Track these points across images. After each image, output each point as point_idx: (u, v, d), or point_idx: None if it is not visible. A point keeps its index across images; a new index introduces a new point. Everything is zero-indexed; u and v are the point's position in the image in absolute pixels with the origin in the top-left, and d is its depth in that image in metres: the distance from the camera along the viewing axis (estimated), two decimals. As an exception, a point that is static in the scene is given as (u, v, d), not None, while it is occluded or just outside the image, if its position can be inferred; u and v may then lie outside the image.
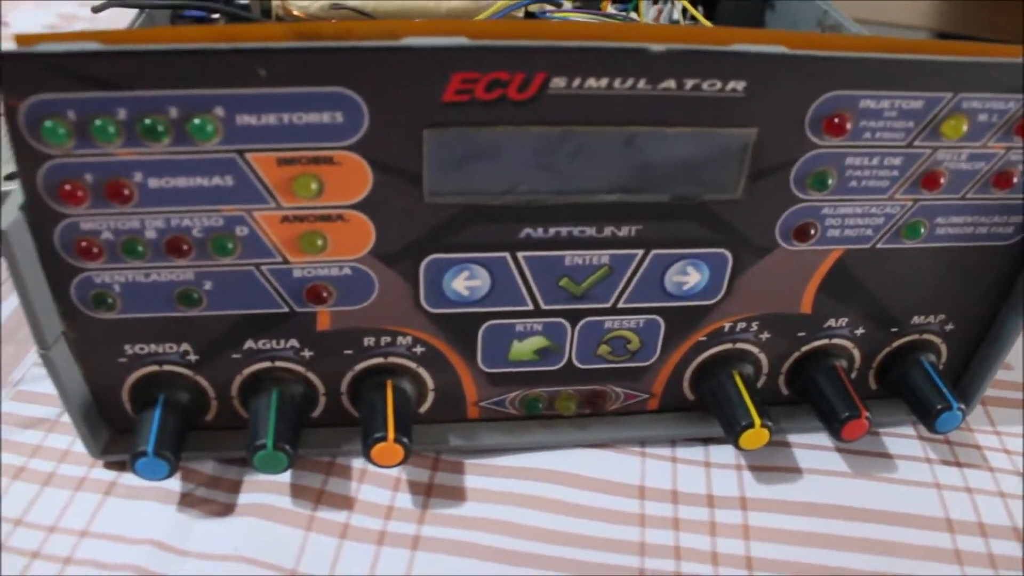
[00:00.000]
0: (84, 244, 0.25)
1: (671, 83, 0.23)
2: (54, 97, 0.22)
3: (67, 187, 0.24)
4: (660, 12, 0.39)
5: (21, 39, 0.23)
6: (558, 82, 0.23)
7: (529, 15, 0.38)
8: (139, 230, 0.25)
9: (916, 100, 0.25)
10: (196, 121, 0.23)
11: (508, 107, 0.23)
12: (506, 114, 0.23)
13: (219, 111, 0.23)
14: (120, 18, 0.36)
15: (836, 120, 0.25)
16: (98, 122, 0.23)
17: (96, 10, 0.38)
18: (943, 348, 0.31)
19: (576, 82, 0.23)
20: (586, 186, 0.25)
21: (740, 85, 0.24)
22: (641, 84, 0.23)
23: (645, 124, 0.24)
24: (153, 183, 0.24)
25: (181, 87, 0.22)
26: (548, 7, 0.37)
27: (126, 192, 0.24)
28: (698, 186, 0.25)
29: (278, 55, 0.22)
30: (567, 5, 0.38)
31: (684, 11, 0.43)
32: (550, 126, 0.24)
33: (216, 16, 0.40)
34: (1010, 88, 0.25)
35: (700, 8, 0.43)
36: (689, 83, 0.23)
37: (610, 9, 0.38)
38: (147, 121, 0.23)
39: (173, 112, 0.23)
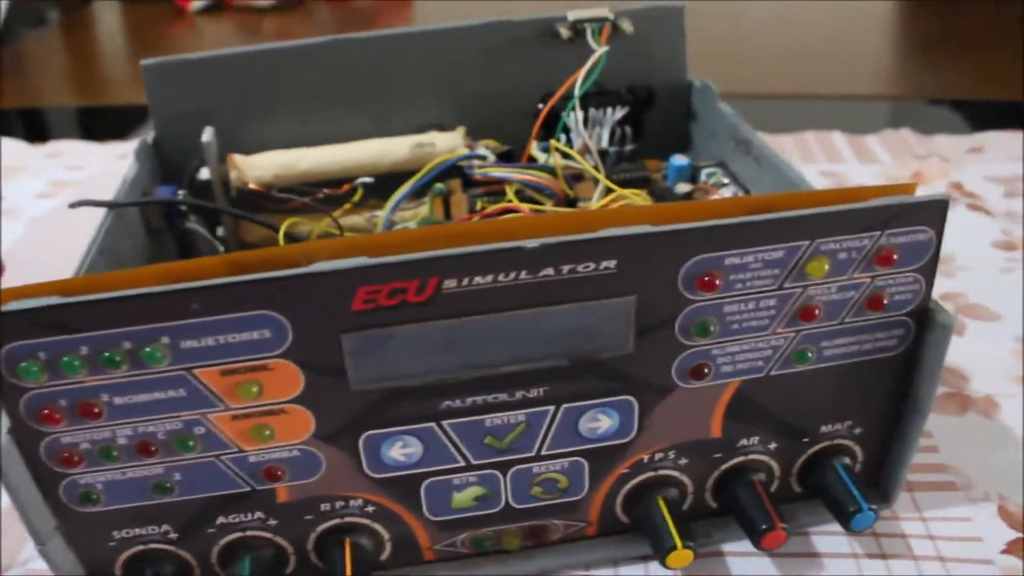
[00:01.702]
0: (66, 455, 0.30)
1: (549, 271, 0.28)
2: (26, 343, 0.27)
3: (45, 412, 0.29)
4: (585, 147, 0.44)
5: (6, 293, 0.28)
6: (449, 283, 0.28)
7: (458, 168, 0.43)
8: (111, 439, 0.30)
9: (777, 251, 0.29)
10: (147, 350, 0.28)
11: (409, 308, 0.28)
12: (408, 314, 0.28)
13: (165, 340, 0.28)
14: (93, 213, 0.41)
15: (706, 279, 0.29)
16: (65, 359, 0.28)
17: (73, 206, 0.44)
18: (857, 449, 0.35)
19: (465, 281, 0.28)
20: (490, 362, 0.30)
21: (612, 263, 0.28)
22: (523, 275, 0.28)
23: (532, 307, 0.29)
24: (118, 400, 0.29)
25: (130, 324, 0.27)
26: (476, 162, 0.42)
27: (96, 410, 0.29)
28: (592, 348, 0.30)
29: (208, 291, 0.27)
30: (491, 158, 0.43)
31: (613, 133, 0.48)
32: (449, 319, 0.28)
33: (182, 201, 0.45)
34: (864, 228, 0.30)
35: (628, 128, 0.49)
36: (565, 268, 0.28)
37: (534, 152, 0.43)
38: (106, 354, 0.28)
39: (127, 344, 0.28)
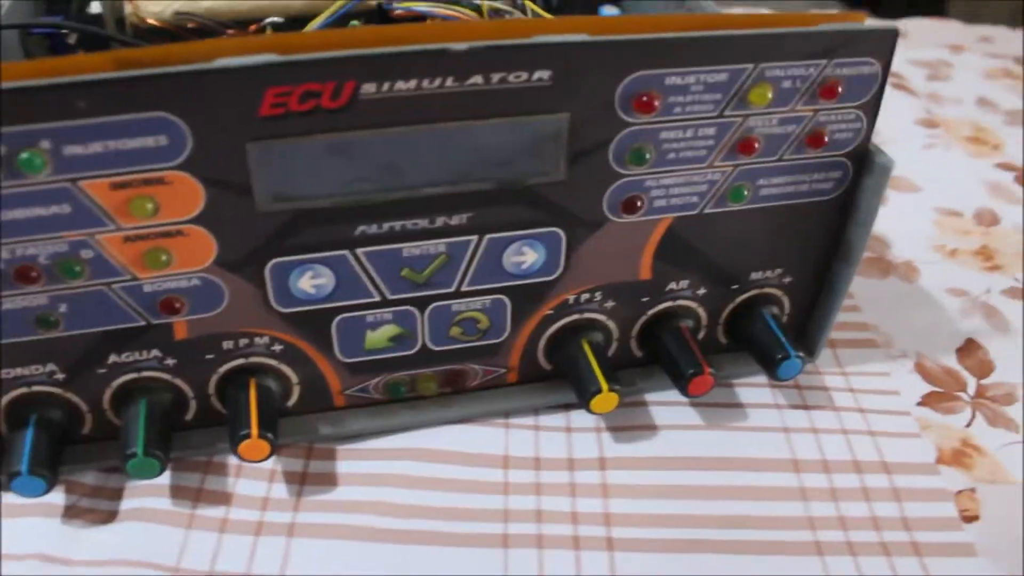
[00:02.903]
0: (-70, 278, 0.27)
1: (478, 79, 0.26)
2: None
3: (-97, 225, 0.25)
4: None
5: None
6: (368, 88, 0.25)
7: (379, 7, 0.40)
8: (-16, 261, 0.27)
9: (720, 73, 0.28)
10: (24, 155, 0.25)
11: (324, 116, 0.25)
12: (323, 123, 0.26)
13: (46, 144, 0.25)
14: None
15: (644, 99, 0.27)
16: (-73, 162, 0.24)
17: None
18: (785, 300, 0.34)
19: (386, 86, 0.25)
20: (410, 182, 0.27)
21: (546, 74, 0.26)
22: (449, 82, 0.26)
23: (458, 119, 0.26)
24: (-9, 216, 0.26)
25: (6, 124, 0.24)
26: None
27: (-36, 226, 0.26)
28: (521, 172, 0.28)
29: (97, 86, 0.24)
30: (411, -7, 0.40)
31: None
32: (367, 130, 0.26)
33: (66, 32, 0.41)
34: (810, 55, 0.28)
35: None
36: (495, 77, 0.26)
37: (457, -9, 0.40)
38: (-25, 158, 0.24)
39: (1, 149, 0.24)
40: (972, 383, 0.36)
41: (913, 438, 0.33)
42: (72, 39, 0.42)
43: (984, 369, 0.37)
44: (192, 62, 0.25)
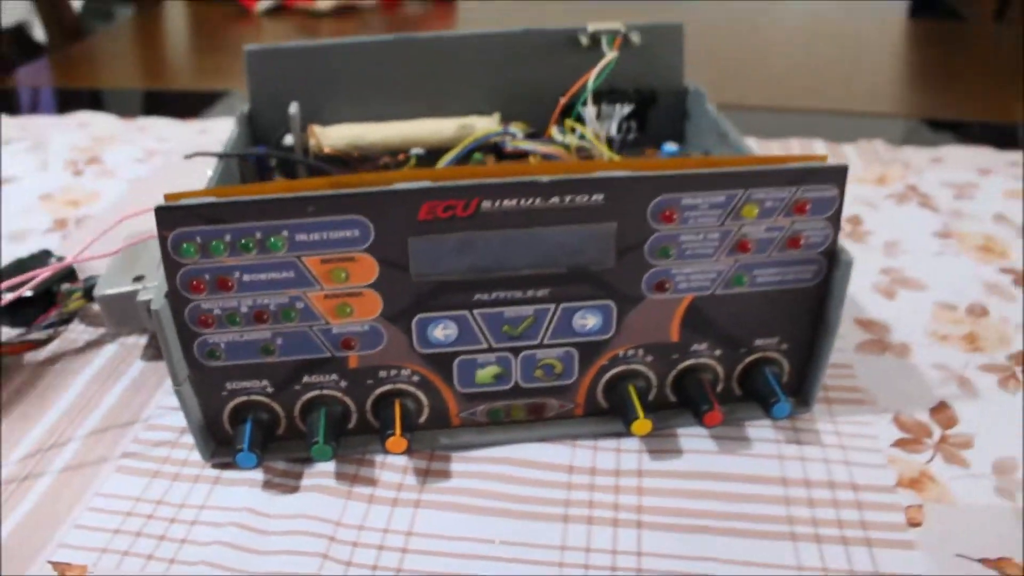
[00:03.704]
0: (203, 318, 0.43)
1: (556, 199, 0.41)
2: (187, 230, 0.41)
3: (194, 283, 0.42)
4: (597, 134, 0.57)
5: (169, 196, 0.41)
6: (487, 204, 0.41)
7: (495, 145, 0.56)
8: (236, 308, 0.43)
9: (720, 195, 0.42)
10: (272, 239, 0.41)
11: (458, 220, 0.41)
12: (457, 224, 0.41)
13: (285, 233, 0.41)
14: (202, 163, 0.54)
15: (667, 213, 0.42)
16: (213, 243, 0.41)
17: (188, 157, 0.58)
18: (783, 362, 0.48)
19: (498, 203, 0.41)
20: (510, 266, 0.43)
21: (600, 197, 0.41)
22: (537, 202, 0.41)
23: (543, 225, 0.42)
24: (246, 277, 0.42)
25: (263, 220, 0.41)
26: (507, 137, 0.56)
27: (229, 284, 0.42)
28: (584, 261, 0.43)
29: (318, 199, 0.40)
30: (519, 135, 0.56)
31: (620, 126, 0.61)
32: (484, 230, 0.41)
33: (269, 158, 0.59)
34: (785, 183, 0.42)
35: (633, 122, 0.62)
36: (567, 198, 0.41)
37: (554, 134, 0.56)
38: (242, 241, 0.41)
39: (258, 235, 0.41)
40: (937, 432, 0.48)
41: (880, 468, 0.46)
42: (272, 163, 0.60)
43: (949, 422, 0.49)
44: (378, 185, 0.41)
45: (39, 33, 1.77)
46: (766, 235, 0.44)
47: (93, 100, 1.04)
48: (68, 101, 1.03)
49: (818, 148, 0.81)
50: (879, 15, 1.31)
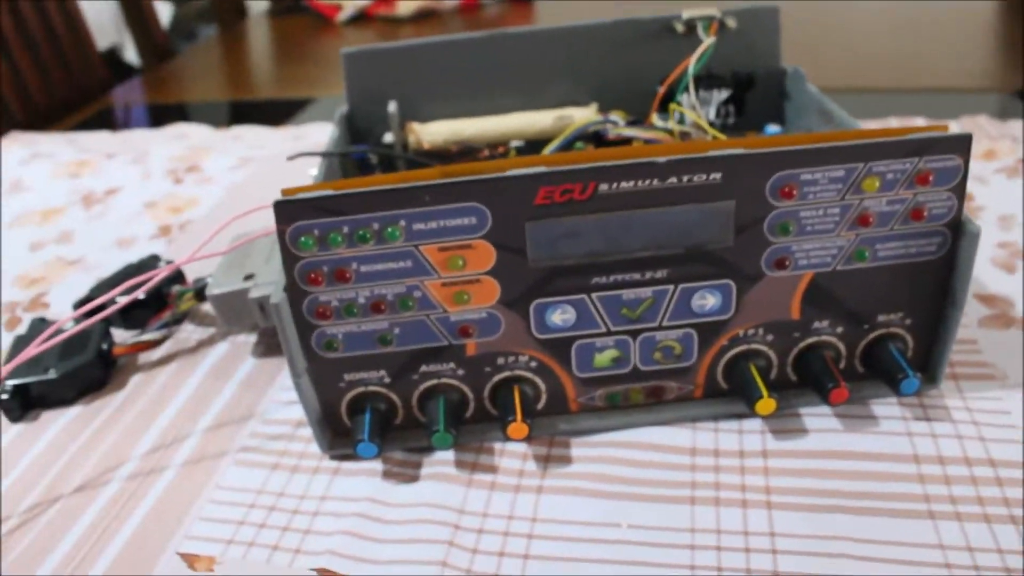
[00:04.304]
0: (320, 310, 0.43)
1: (673, 179, 0.40)
2: (306, 223, 0.41)
3: (312, 275, 0.42)
4: (702, 118, 0.56)
5: (285, 191, 0.41)
6: (604, 187, 0.40)
7: (597, 134, 0.55)
8: (354, 299, 0.43)
9: (839, 170, 0.41)
10: (389, 230, 0.41)
11: (575, 204, 0.41)
12: (574, 208, 0.41)
13: (402, 223, 0.41)
14: (305, 163, 0.55)
15: (787, 189, 0.41)
16: (331, 235, 0.41)
17: (291, 158, 0.58)
18: (908, 337, 0.46)
19: (615, 185, 0.40)
20: (628, 248, 0.42)
21: (718, 175, 0.40)
22: (655, 182, 0.40)
23: (661, 205, 0.41)
24: (363, 268, 0.42)
25: (380, 210, 0.41)
26: (609, 125, 0.55)
27: (347, 275, 0.42)
28: (703, 240, 0.42)
29: (436, 188, 0.40)
30: (621, 122, 0.55)
31: (718, 112, 0.60)
32: (601, 213, 0.41)
33: (371, 156, 0.59)
34: (905, 155, 0.41)
35: (732, 106, 0.60)
36: (685, 178, 0.40)
37: (655, 121, 0.56)
38: (359, 232, 0.41)
39: (375, 225, 0.41)
40: (1072, 409, 0.46)
41: (1017, 443, 0.44)
42: (374, 160, 0.60)
43: (1084, 399, 0.47)
44: (492, 172, 0.40)
45: (131, 55, 1.83)
46: (888, 208, 0.42)
47: (185, 114, 1.07)
48: (162, 116, 1.06)
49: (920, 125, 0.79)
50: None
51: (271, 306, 0.42)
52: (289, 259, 0.42)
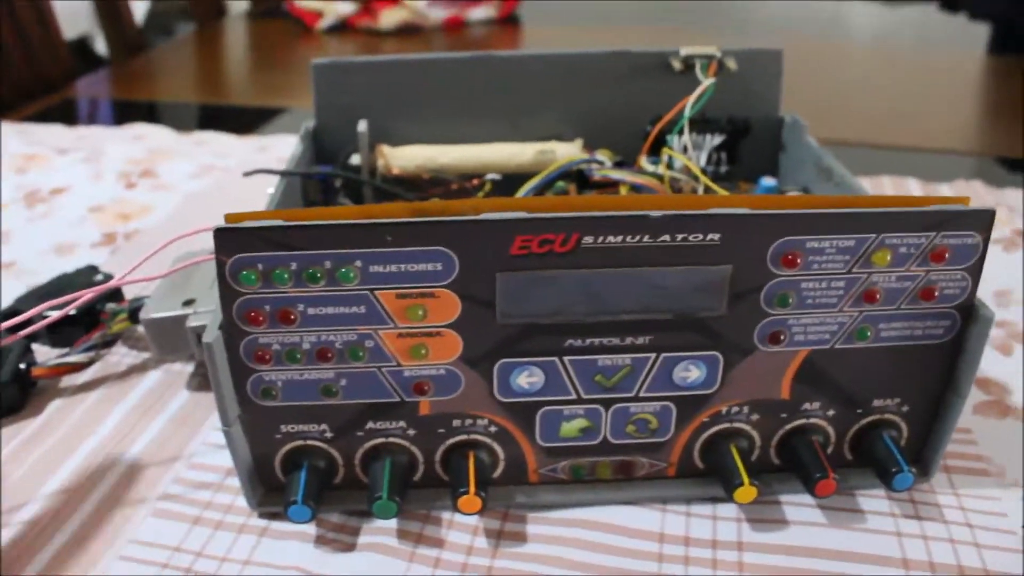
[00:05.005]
0: (260, 353, 0.38)
1: (666, 237, 0.35)
2: (250, 255, 0.35)
3: (252, 314, 0.37)
4: (695, 165, 0.52)
5: (229, 217, 0.36)
6: (588, 239, 0.35)
7: (580, 172, 0.51)
8: (298, 343, 0.37)
9: (849, 240, 0.36)
10: (343, 270, 0.36)
11: (554, 257, 0.36)
12: (553, 261, 0.36)
13: (358, 263, 0.36)
14: (262, 181, 0.49)
15: (790, 257, 0.36)
16: (277, 271, 0.36)
17: (247, 175, 0.53)
18: (903, 426, 0.41)
19: (600, 239, 0.35)
20: (610, 309, 0.37)
21: (716, 236, 0.36)
22: (645, 239, 0.35)
23: (650, 265, 0.36)
24: (311, 311, 0.37)
25: (334, 248, 0.35)
26: (594, 165, 0.50)
27: (292, 317, 0.37)
28: (692, 307, 0.37)
29: (400, 227, 0.35)
30: (608, 163, 0.50)
31: (710, 158, 0.56)
32: (584, 268, 0.36)
33: (334, 178, 0.54)
34: (922, 228, 0.37)
35: (724, 153, 0.56)
36: (679, 236, 0.35)
37: (644, 164, 0.51)
38: (310, 270, 0.36)
39: (327, 264, 0.36)
40: (1075, 514, 0.42)
41: (1016, 553, 0.39)
42: (338, 184, 0.55)
43: (1087, 503, 0.42)
44: (465, 214, 0.35)
45: (101, 46, 1.76)
46: (897, 285, 0.38)
47: (151, 113, 1.00)
48: (125, 113, 0.99)
49: (912, 187, 0.75)
50: (956, 52, 1.25)
51: (203, 345, 0.36)
52: (228, 294, 0.36)
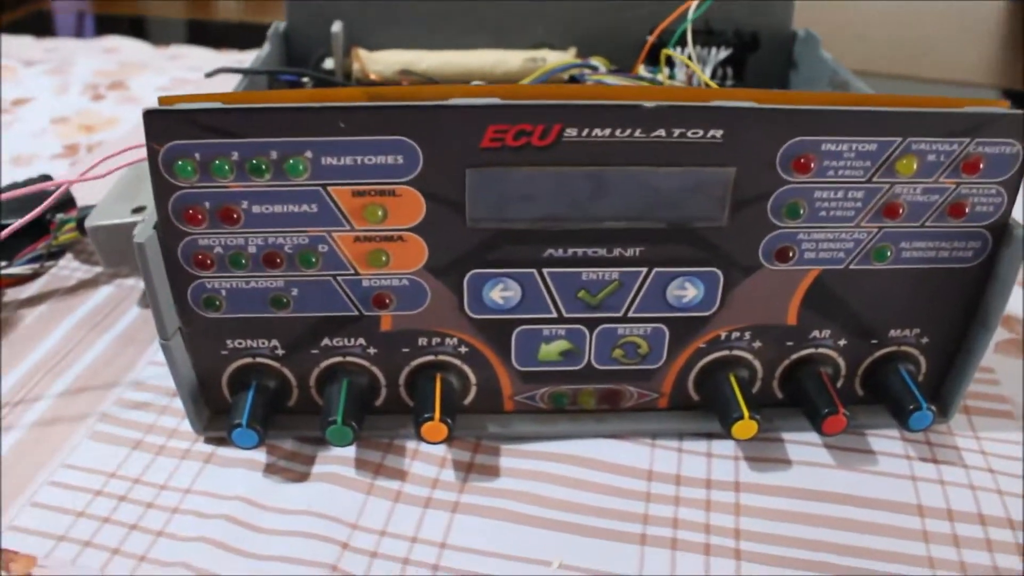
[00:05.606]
0: (200, 256, 0.33)
1: (661, 132, 0.31)
2: (185, 143, 0.31)
3: (190, 211, 0.32)
4: (690, 75, 0.47)
5: (163, 100, 0.31)
6: (571, 132, 0.30)
7: (572, 79, 0.45)
8: (243, 246, 0.33)
9: (871, 143, 0.32)
10: (291, 161, 0.31)
11: (532, 151, 0.31)
12: (530, 157, 0.31)
13: (309, 154, 0.31)
14: (226, 83, 0.45)
15: (802, 160, 0.32)
16: (217, 162, 0.31)
17: (209, 75, 0.48)
18: (921, 359, 0.37)
19: (585, 132, 0.30)
20: (596, 215, 0.32)
21: (719, 133, 0.31)
22: (637, 133, 0.31)
23: (642, 164, 0.31)
24: (256, 209, 0.32)
25: (281, 135, 0.31)
26: (587, 71, 0.45)
27: (235, 216, 0.32)
28: (689, 215, 0.32)
29: (355, 111, 0.30)
30: (602, 69, 0.45)
31: (715, 72, 0.51)
32: (566, 166, 0.31)
33: (306, 80, 0.49)
34: (954, 133, 0.32)
35: (730, 68, 0.51)
36: (676, 131, 0.31)
37: (641, 71, 0.46)
38: (254, 161, 0.31)
39: (274, 154, 0.31)
40: (1104, 462, 0.37)
41: (1040, 503, 0.35)
42: (309, 86, 0.50)
43: (1117, 451, 0.38)
44: (431, 98, 0.31)
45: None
46: (923, 198, 0.33)
47: (134, 27, 0.95)
48: (106, 27, 0.94)
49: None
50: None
51: (135, 246, 0.32)
52: (162, 188, 0.32)
